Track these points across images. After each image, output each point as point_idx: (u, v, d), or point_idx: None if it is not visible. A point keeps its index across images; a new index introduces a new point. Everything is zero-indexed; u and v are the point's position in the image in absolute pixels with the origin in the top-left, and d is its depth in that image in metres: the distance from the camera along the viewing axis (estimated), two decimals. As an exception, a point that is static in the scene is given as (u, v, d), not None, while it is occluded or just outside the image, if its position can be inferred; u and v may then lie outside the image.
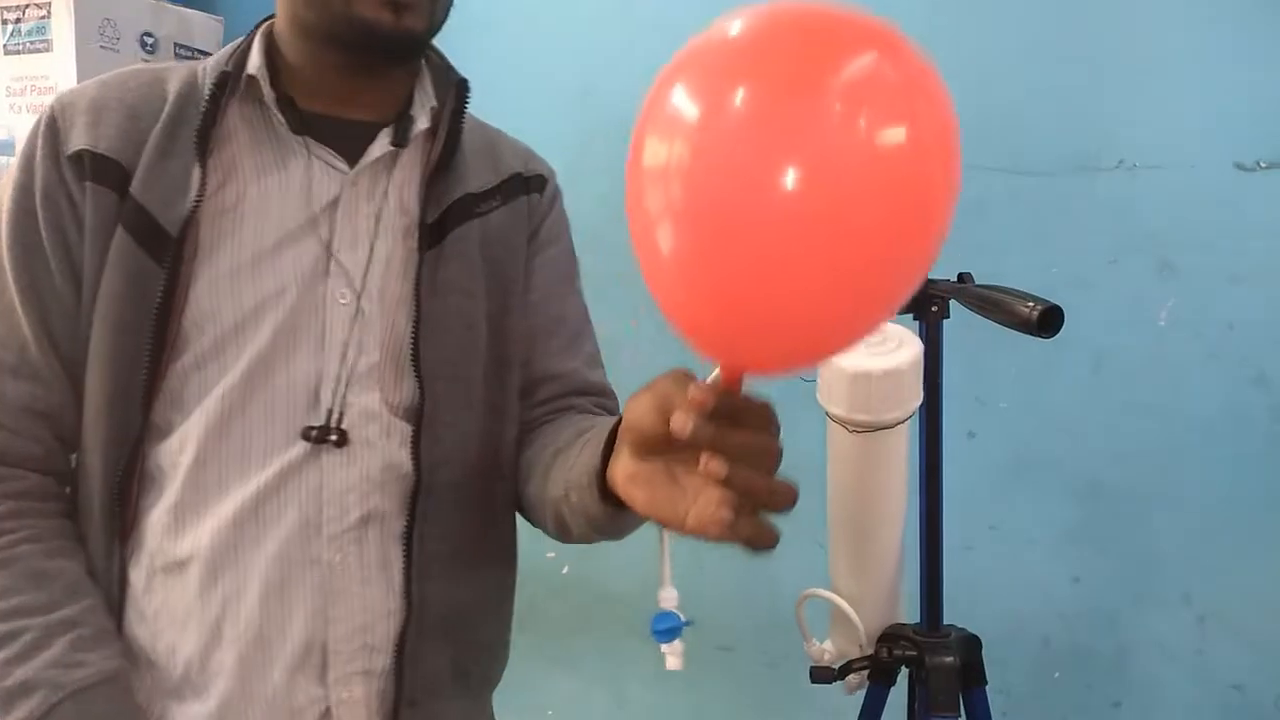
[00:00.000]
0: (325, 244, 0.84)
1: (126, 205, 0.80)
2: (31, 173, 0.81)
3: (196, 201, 0.80)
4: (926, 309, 1.14)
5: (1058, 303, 0.98)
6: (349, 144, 0.86)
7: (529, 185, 0.96)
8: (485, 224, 0.91)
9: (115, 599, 0.82)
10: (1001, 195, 1.57)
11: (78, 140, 0.81)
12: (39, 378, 0.81)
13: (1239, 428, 1.46)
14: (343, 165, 0.86)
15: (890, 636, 1.18)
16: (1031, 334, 0.98)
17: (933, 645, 1.15)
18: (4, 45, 1.90)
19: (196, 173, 0.81)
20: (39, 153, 0.82)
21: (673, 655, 0.77)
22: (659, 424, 0.60)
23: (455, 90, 0.90)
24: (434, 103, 0.90)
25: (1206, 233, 1.47)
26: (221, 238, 0.82)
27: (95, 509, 0.82)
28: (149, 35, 1.97)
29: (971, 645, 1.17)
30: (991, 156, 1.57)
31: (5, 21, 1.89)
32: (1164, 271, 1.50)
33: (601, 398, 0.97)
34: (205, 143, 0.82)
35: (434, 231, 0.87)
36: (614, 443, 0.71)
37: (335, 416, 0.82)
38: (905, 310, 1.13)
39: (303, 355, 0.83)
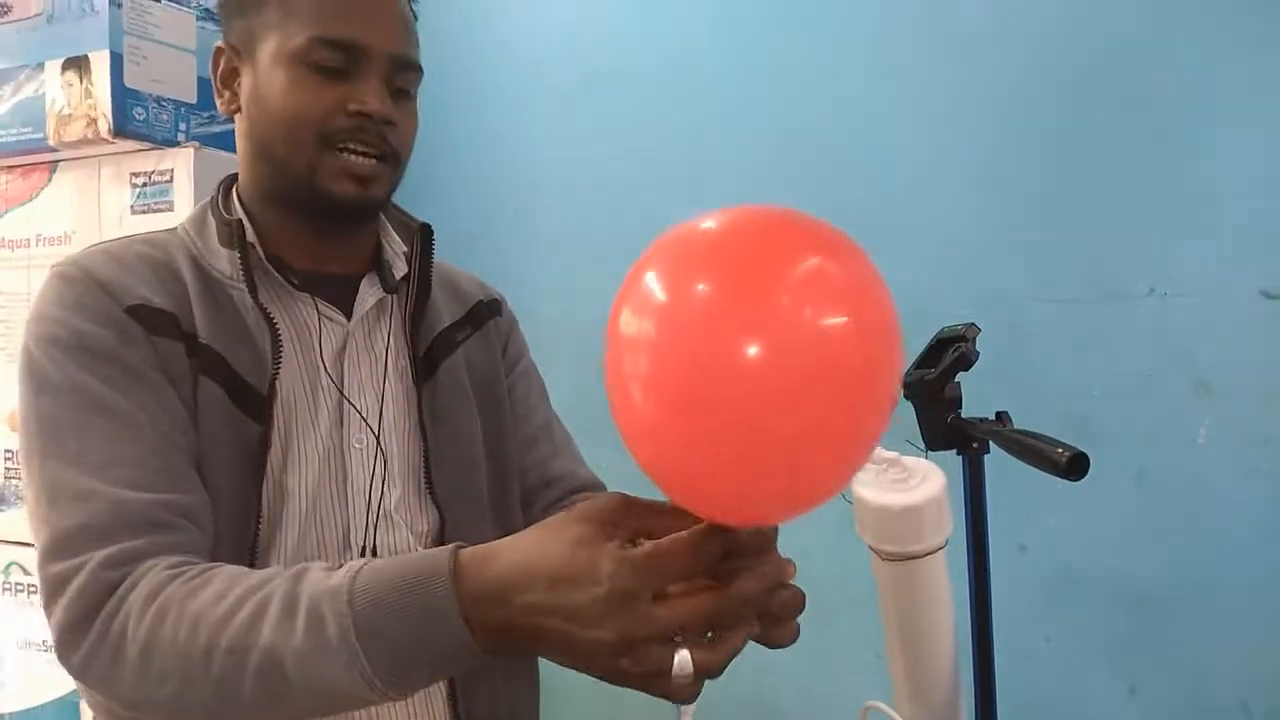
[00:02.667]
0: (338, 394, 0.89)
1: (202, 354, 0.82)
2: (78, 330, 0.79)
3: (277, 361, 0.84)
4: (968, 446, 1.24)
5: (1084, 450, 1.08)
6: (336, 295, 0.92)
7: (490, 310, 1.04)
8: (466, 352, 0.98)
9: None
10: (1041, 322, 1.67)
11: (129, 296, 0.81)
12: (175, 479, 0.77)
13: (1281, 542, 1.52)
14: (340, 317, 0.91)
15: (949, 754, 1.25)
16: (1061, 477, 1.08)
17: (989, 763, 1.21)
18: (131, 205, 2.14)
19: (267, 333, 0.85)
20: (83, 310, 0.80)
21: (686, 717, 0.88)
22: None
23: (420, 234, 0.96)
24: (405, 249, 0.96)
25: (1238, 356, 1.55)
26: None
27: None
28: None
29: (1028, 762, 1.23)
30: (1031, 286, 1.68)
31: (134, 185, 2.13)
32: (1200, 393, 1.57)
33: (595, 490, 1.04)
34: (257, 301, 0.85)
35: (426, 365, 0.94)
36: None
37: (368, 555, 0.84)
38: (949, 446, 1.24)
39: (326, 503, 0.85)
